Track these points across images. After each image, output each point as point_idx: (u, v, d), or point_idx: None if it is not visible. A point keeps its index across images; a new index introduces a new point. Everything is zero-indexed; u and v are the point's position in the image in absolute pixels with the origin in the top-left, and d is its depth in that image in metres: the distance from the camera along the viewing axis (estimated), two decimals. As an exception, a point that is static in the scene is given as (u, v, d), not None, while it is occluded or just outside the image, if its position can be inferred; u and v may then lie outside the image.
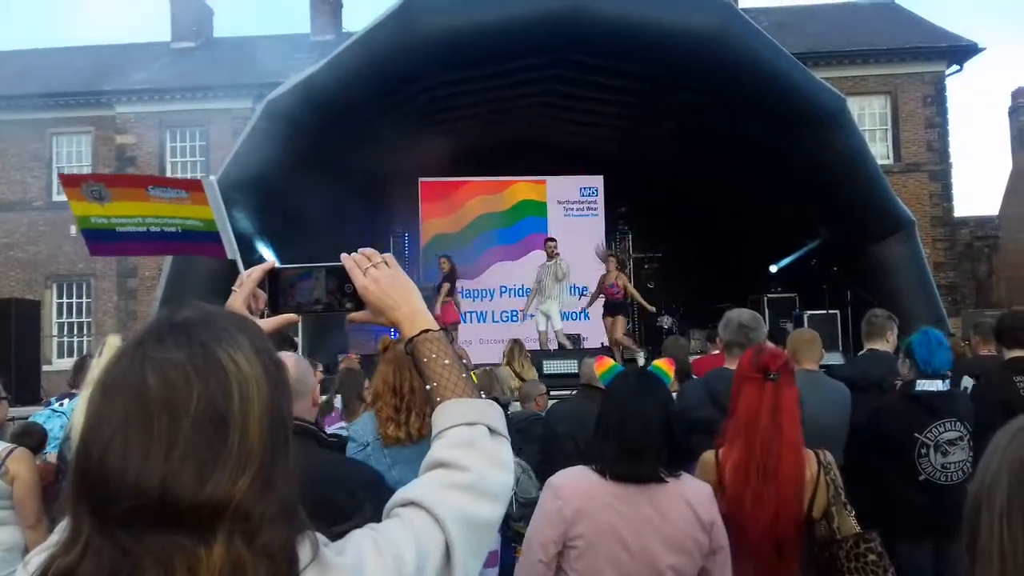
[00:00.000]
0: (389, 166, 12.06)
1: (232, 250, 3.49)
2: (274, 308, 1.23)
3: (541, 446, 4.30)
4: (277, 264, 1.25)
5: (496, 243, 13.92)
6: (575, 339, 11.55)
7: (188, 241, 3.59)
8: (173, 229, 3.50)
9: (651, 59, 9.71)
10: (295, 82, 9.69)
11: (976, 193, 58.75)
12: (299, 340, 9.50)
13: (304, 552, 0.85)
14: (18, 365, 8.41)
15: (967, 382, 4.22)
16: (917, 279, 10.62)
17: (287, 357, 2.14)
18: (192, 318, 0.88)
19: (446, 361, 1.14)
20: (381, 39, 9.35)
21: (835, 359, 8.17)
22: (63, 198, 3.76)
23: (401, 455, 2.66)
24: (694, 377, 4.76)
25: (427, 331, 1.17)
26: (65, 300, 18.49)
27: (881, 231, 10.66)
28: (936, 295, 10.86)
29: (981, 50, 17.59)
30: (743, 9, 13.34)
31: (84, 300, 18.45)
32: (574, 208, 14.20)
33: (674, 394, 2.86)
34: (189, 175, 17.65)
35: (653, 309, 12.14)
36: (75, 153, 18.79)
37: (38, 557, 0.87)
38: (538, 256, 11.50)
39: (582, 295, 11.82)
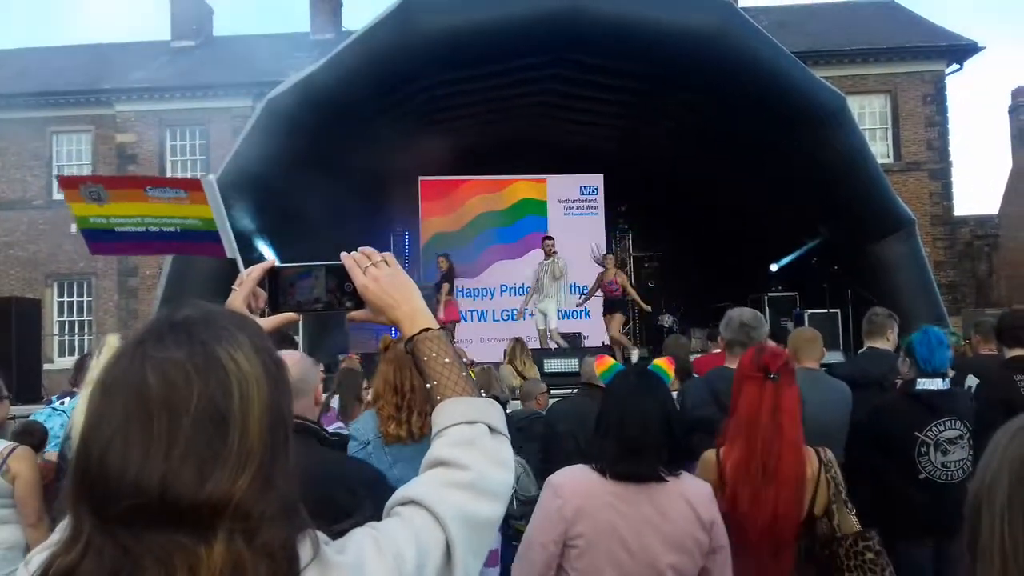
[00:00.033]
0: (389, 165, 12.06)
1: (232, 249, 3.48)
2: (274, 307, 1.23)
3: (542, 445, 4.30)
4: (277, 263, 1.25)
5: (496, 242, 13.92)
6: (575, 338, 11.55)
7: (187, 241, 3.59)
8: (172, 229, 3.50)
9: (650, 58, 9.71)
10: (295, 81, 9.69)
11: (976, 192, 58.81)
12: (299, 339, 9.51)
13: (305, 551, 0.85)
14: (19, 364, 8.42)
15: (971, 381, 4.22)
16: (917, 278, 10.63)
17: (292, 355, 2.14)
18: (192, 317, 0.88)
19: (446, 360, 1.14)
20: (380, 38, 9.35)
21: (836, 358, 8.17)
22: (63, 197, 3.75)
23: (402, 453, 2.67)
24: (695, 376, 4.76)
25: (427, 330, 1.17)
26: (66, 299, 18.50)
27: (881, 230, 10.66)
28: (936, 294, 10.86)
29: (981, 49, 17.60)
30: (743, 8, 13.32)
31: (85, 299, 18.45)
32: (574, 207, 14.20)
33: (674, 393, 2.86)
34: (189, 174, 17.67)
35: (649, 308, 12.13)
36: (75, 152, 18.80)
37: (39, 556, 0.88)
38: (538, 255, 11.51)
39: (581, 294, 11.83)
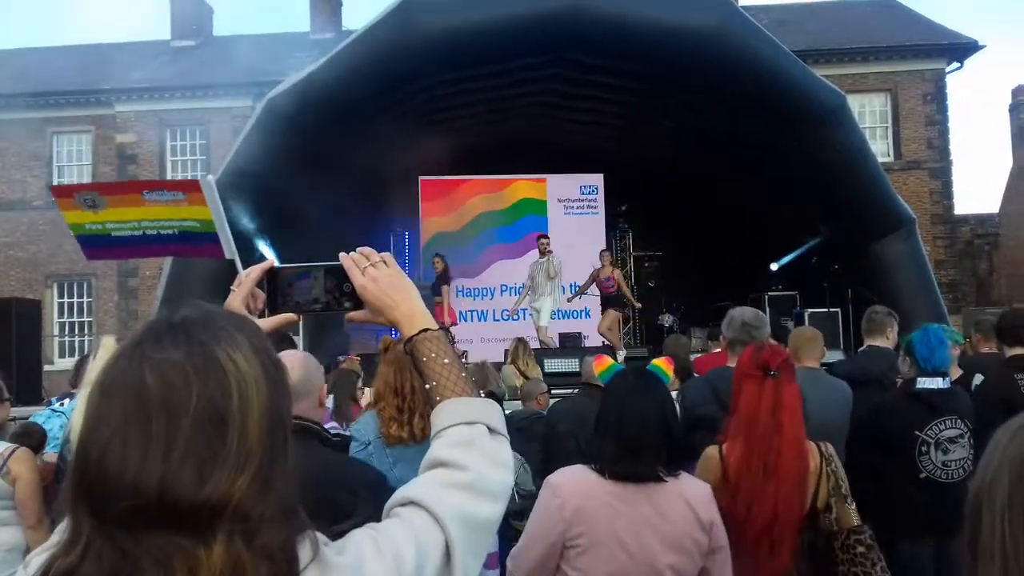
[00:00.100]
0: (389, 165, 12.07)
1: (230, 250, 3.49)
2: (272, 308, 1.22)
3: (542, 445, 4.30)
4: (276, 263, 1.25)
5: (496, 241, 13.91)
6: (575, 338, 11.55)
7: (185, 243, 3.59)
8: (170, 232, 3.50)
9: (650, 58, 9.70)
10: (295, 81, 9.68)
11: (976, 190, 58.77)
12: (299, 340, 9.50)
13: (304, 552, 0.84)
14: (19, 365, 8.40)
15: (979, 379, 4.21)
16: (918, 277, 10.62)
17: (296, 356, 2.14)
18: (190, 318, 0.88)
19: (445, 360, 1.14)
20: (380, 38, 9.34)
21: (836, 357, 8.16)
22: (57, 206, 3.74)
23: (404, 454, 2.67)
24: (696, 375, 4.76)
25: (426, 330, 1.17)
26: (66, 299, 18.50)
27: (881, 229, 10.65)
28: (937, 293, 10.85)
29: (981, 47, 17.60)
30: (743, 7, 13.30)
31: (85, 299, 18.46)
32: (574, 206, 14.19)
33: (673, 393, 2.86)
34: (189, 174, 17.68)
35: (639, 305, 12.28)
36: (75, 152, 18.80)
37: (39, 558, 0.87)
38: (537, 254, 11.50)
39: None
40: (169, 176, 17.70)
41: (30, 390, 8.47)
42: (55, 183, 17.71)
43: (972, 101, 58.81)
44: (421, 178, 13.78)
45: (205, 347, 0.84)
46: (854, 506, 2.58)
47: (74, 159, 18.75)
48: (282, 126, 9.64)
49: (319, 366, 2.21)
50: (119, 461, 0.78)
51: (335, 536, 0.93)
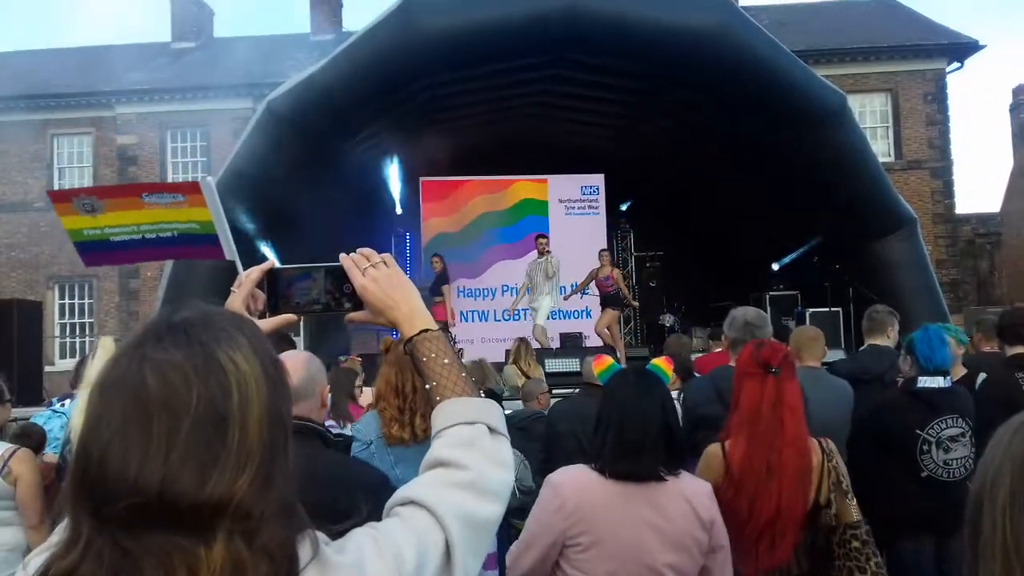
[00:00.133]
0: (389, 166, 12.07)
1: (231, 251, 3.49)
2: (273, 308, 1.23)
3: (543, 444, 4.31)
4: (276, 264, 1.25)
5: (498, 242, 13.91)
6: (576, 338, 11.55)
7: (185, 245, 3.58)
8: (169, 234, 3.50)
9: (650, 58, 9.70)
10: (295, 82, 9.69)
11: (978, 190, 58.70)
12: (300, 340, 9.51)
13: (304, 551, 0.85)
14: (20, 366, 8.41)
15: (982, 378, 4.21)
16: (919, 276, 10.62)
17: (299, 356, 2.14)
18: (191, 318, 0.88)
19: (445, 360, 1.14)
20: (381, 39, 9.35)
21: (837, 357, 8.16)
22: (55, 211, 3.73)
23: (405, 455, 2.67)
24: (698, 375, 4.76)
25: (426, 330, 1.17)
26: (67, 301, 18.51)
27: (883, 229, 10.65)
28: (938, 292, 10.85)
29: (982, 47, 17.59)
30: (743, 7, 13.31)
31: (86, 301, 18.47)
32: (575, 207, 14.19)
33: (673, 392, 2.86)
34: (190, 175, 17.68)
35: (636, 304, 12.36)
36: (76, 154, 18.81)
37: (38, 558, 0.87)
38: (538, 255, 11.50)
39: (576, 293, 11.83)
40: (170, 178, 17.73)
41: (31, 391, 8.47)
42: (56, 185, 17.76)
43: (973, 101, 58.81)
44: (422, 179, 13.79)
45: (205, 348, 0.84)
46: (854, 501, 2.59)
47: (75, 161, 18.76)
48: (283, 128, 9.64)
49: (321, 367, 2.21)
50: (120, 461, 0.79)
51: (336, 535, 0.93)
